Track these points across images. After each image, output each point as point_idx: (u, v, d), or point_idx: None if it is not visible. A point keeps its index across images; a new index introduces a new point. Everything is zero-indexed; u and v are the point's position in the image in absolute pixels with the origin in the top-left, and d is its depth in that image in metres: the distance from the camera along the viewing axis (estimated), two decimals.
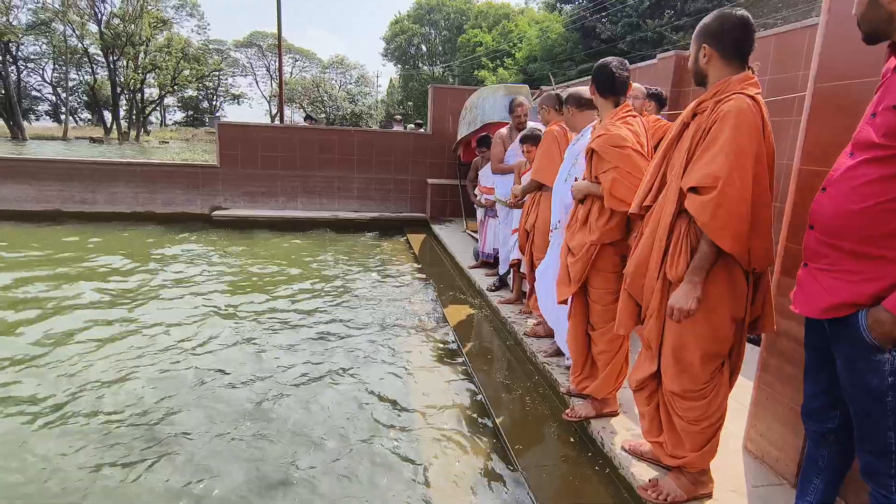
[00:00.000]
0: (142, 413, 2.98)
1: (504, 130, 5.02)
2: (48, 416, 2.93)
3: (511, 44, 29.65)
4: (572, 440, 2.69)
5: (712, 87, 1.80)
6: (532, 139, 3.90)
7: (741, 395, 2.75)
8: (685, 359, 1.87)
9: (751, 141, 1.65)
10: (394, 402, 3.19)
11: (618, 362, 2.54)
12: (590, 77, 2.52)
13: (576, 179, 2.71)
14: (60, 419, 2.90)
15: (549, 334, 3.64)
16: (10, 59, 39.22)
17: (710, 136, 1.72)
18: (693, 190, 1.74)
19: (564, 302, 2.71)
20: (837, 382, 1.48)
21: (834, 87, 1.91)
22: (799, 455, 2.03)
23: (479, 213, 5.70)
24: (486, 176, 5.43)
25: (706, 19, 1.80)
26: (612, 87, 2.43)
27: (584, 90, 2.83)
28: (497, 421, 2.91)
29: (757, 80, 1.77)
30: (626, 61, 2.47)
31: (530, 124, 4.69)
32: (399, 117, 13.90)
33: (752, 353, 2.47)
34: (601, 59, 2.47)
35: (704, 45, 1.78)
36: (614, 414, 2.67)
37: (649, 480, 2.13)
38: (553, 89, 7.58)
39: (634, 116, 2.47)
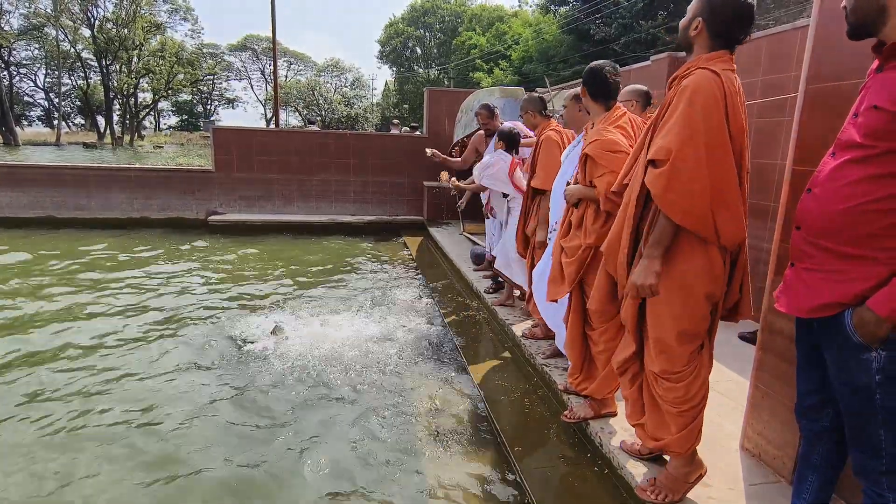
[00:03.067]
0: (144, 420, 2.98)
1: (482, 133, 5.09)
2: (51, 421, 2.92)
3: (506, 46, 29.74)
4: (571, 441, 2.70)
5: (686, 64, 1.81)
6: (500, 136, 4.14)
7: (738, 393, 2.78)
8: (662, 338, 1.87)
9: (706, 114, 1.65)
10: (391, 405, 3.19)
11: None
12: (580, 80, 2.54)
13: (568, 183, 2.72)
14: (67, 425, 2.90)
15: (548, 336, 3.65)
16: (2, 65, 39.06)
17: (670, 110, 1.75)
18: (652, 163, 1.76)
19: (555, 301, 2.72)
20: (829, 380, 1.49)
21: (825, 88, 1.94)
22: (796, 453, 2.05)
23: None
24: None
25: None
26: (604, 92, 2.45)
27: None
28: (496, 422, 2.92)
29: (731, 58, 1.76)
30: (617, 65, 2.49)
31: (507, 125, 4.73)
32: (397, 121, 13.88)
33: (748, 352, 2.49)
34: (591, 64, 2.48)
35: (699, 18, 1.75)
36: (613, 414, 2.68)
37: (648, 480, 2.14)
38: (548, 91, 7.61)
39: (624, 116, 2.49)
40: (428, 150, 4.84)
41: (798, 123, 2.04)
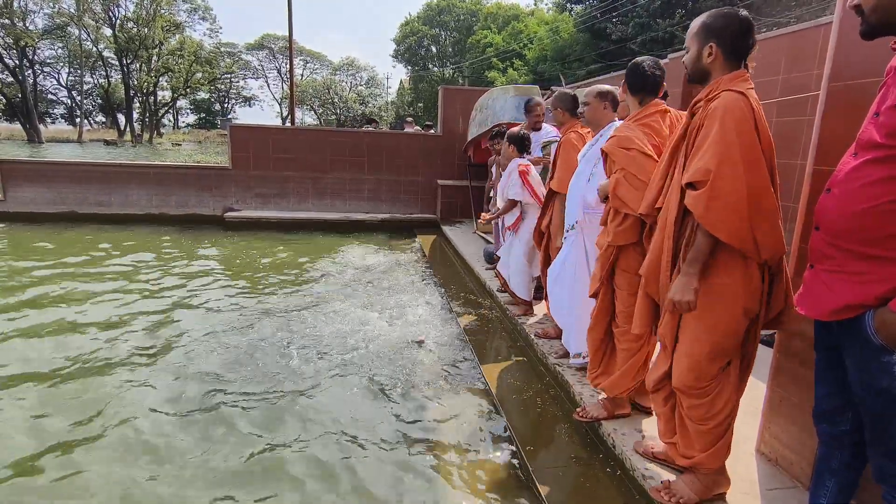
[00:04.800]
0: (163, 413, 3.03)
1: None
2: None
3: (521, 44, 29.62)
4: (584, 442, 2.69)
5: (706, 87, 1.83)
6: (499, 136, 4.13)
7: (754, 396, 2.73)
8: (694, 353, 1.88)
9: (739, 133, 1.68)
10: (404, 403, 3.21)
11: (636, 362, 2.52)
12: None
13: (590, 180, 2.71)
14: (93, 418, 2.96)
15: (560, 335, 3.63)
16: (27, 64, 39.92)
17: (702, 133, 1.77)
18: (690, 186, 1.78)
19: (595, 295, 2.69)
20: (848, 383, 1.47)
21: (848, 86, 1.90)
22: (814, 457, 2.01)
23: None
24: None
25: (709, 18, 1.81)
26: (640, 86, 2.42)
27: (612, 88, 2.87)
28: (508, 422, 2.92)
29: (749, 76, 1.79)
30: (659, 61, 2.46)
31: (546, 127, 4.68)
32: (410, 118, 13.88)
33: (765, 355, 2.46)
34: (636, 59, 2.48)
35: (711, 44, 1.79)
36: (626, 415, 2.66)
37: (662, 482, 2.12)
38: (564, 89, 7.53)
39: (665, 113, 2.45)
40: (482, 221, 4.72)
41: (820, 123, 2.00)
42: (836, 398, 1.57)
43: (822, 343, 1.57)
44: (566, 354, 3.39)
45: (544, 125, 4.69)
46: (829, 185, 1.45)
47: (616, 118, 2.94)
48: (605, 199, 2.54)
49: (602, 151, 2.49)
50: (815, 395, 1.65)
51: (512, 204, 4.18)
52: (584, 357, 3.12)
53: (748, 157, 1.68)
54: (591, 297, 2.72)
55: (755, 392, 2.78)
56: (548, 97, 8.13)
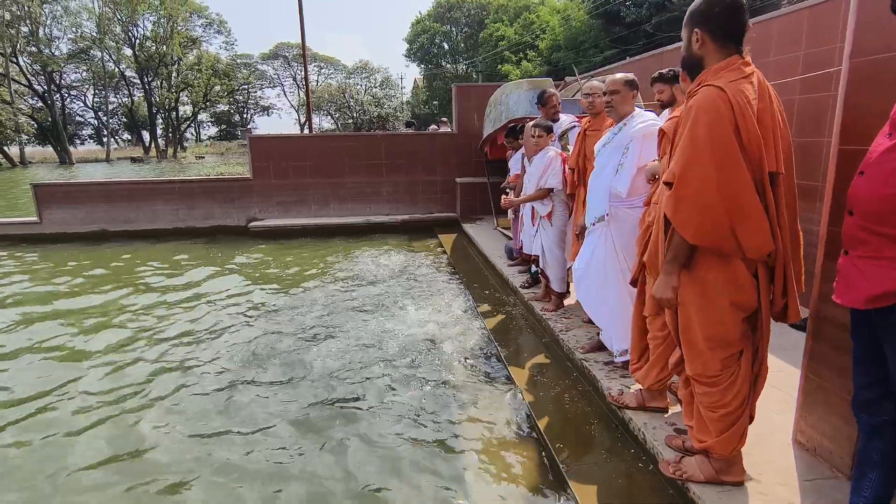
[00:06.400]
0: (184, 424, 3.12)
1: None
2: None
3: (534, 35, 29.33)
4: (614, 437, 2.66)
5: (697, 78, 1.80)
6: (544, 127, 4.05)
7: (789, 384, 2.67)
8: (693, 343, 1.90)
9: (711, 133, 1.64)
10: (431, 401, 3.22)
11: (666, 350, 2.48)
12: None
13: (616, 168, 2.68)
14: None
15: (587, 328, 3.59)
16: (55, 88, 41.34)
17: (680, 131, 1.77)
18: (667, 185, 1.78)
19: (634, 282, 2.65)
20: (889, 373, 1.41)
21: (871, 61, 1.82)
22: (854, 447, 1.95)
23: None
24: (514, 165, 5.43)
25: (695, 3, 1.78)
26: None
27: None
28: (536, 419, 2.90)
29: (740, 64, 1.72)
30: None
31: (563, 117, 4.61)
32: (445, 119, 13.60)
33: (799, 341, 2.39)
34: None
35: (696, 29, 1.76)
36: (662, 409, 2.61)
37: (675, 457, 2.16)
38: (577, 80, 7.45)
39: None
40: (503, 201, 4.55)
41: (843, 101, 1.93)
42: (877, 387, 1.52)
43: (859, 331, 1.52)
44: (593, 349, 3.35)
45: (561, 115, 4.62)
46: (862, 167, 1.40)
47: (634, 108, 2.89)
48: (651, 179, 2.53)
49: (660, 131, 2.43)
50: (854, 383, 1.61)
51: (546, 192, 4.03)
52: (629, 354, 3.07)
53: (721, 157, 1.64)
54: (631, 283, 2.68)
55: (790, 379, 2.71)
56: (561, 88, 8.04)
